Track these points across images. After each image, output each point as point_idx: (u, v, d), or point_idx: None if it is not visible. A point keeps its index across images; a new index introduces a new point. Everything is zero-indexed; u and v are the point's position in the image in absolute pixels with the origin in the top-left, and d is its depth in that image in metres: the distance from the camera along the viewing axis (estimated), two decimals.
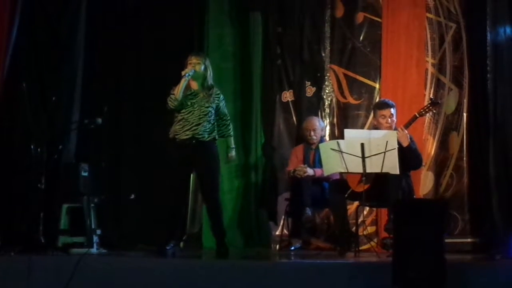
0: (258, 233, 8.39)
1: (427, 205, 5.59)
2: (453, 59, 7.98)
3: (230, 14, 8.69)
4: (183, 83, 6.68)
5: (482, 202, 7.52)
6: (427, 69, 8.01)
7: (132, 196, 8.09)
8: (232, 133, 7.06)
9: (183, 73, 6.69)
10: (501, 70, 7.53)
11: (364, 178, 6.60)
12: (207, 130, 6.76)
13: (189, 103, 6.78)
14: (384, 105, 7.09)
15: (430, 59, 8.04)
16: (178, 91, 6.68)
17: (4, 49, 8.09)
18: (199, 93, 6.81)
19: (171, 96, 6.74)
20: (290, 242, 7.96)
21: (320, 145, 7.04)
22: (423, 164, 7.47)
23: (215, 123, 6.87)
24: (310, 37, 8.56)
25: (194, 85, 6.85)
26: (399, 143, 6.69)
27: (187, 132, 6.73)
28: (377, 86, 8.28)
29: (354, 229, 7.14)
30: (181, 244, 7.93)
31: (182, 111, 6.78)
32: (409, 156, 6.81)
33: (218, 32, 8.63)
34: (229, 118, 7.04)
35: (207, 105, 6.76)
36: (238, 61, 8.68)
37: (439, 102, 7.52)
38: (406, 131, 6.80)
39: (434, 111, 7.50)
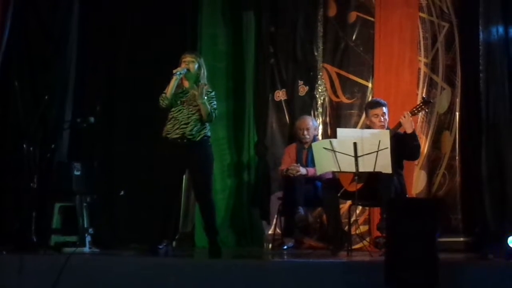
0: (250, 232, 8.39)
1: (420, 204, 5.59)
2: (445, 58, 7.98)
3: (223, 14, 8.69)
4: (174, 82, 6.67)
5: (474, 201, 7.52)
6: (419, 69, 8.02)
7: (122, 193, 8.09)
8: (212, 109, 6.72)
9: (174, 71, 6.68)
10: (494, 69, 7.53)
11: (356, 177, 6.60)
12: (197, 128, 6.71)
13: (178, 102, 6.76)
14: (376, 104, 7.10)
15: (422, 59, 8.04)
16: (169, 90, 6.68)
17: None
18: (189, 91, 6.79)
19: (163, 94, 6.73)
20: (283, 241, 7.95)
21: (313, 144, 7.04)
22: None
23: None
24: (303, 36, 8.57)
25: (187, 84, 6.84)
26: (400, 135, 6.70)
27: (177, 131, 6.71)
28: (369, 85, 8.28)
29: (346, 228, 7.13)
30: (174, 243, 7.92)
31: (172, 110, 6.76)
32: (411, 144, 6.81)
33: (211, 32, 8.63)
34: (215, 107, 6.79)
35: (195, 103, 6.73)
36: (231, 60, 8.68)
37: (431, 101, 7.52)
38: (411, 118, 6.80)
39: (427, 110, 7.50)
